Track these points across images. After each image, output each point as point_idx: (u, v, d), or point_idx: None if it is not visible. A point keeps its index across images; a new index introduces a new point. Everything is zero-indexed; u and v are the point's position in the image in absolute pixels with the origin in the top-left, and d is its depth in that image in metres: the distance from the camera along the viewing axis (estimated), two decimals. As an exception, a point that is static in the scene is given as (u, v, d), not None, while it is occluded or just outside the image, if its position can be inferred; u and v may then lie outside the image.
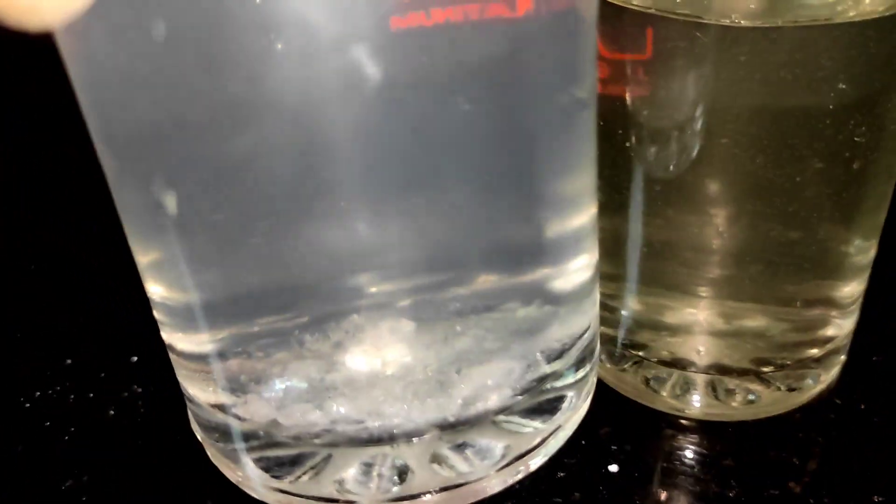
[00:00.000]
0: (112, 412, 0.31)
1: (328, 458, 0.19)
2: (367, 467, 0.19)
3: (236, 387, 0.19)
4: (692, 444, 0.28)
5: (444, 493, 0.19)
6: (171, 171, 0.16)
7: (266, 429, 0.19)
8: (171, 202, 0.16)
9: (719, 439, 0.28)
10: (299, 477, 0.19)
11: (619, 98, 0.24)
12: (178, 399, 0.31)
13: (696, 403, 0.28)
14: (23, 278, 0.41)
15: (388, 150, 0.16)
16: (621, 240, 0.27)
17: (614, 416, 0.29)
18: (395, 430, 0.18)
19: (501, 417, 0.19)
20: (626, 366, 0.29)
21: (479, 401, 0.18)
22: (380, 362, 0.18)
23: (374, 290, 0.17)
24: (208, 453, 0.21)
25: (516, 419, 0.20)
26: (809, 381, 0.28)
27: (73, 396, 0.32)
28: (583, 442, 0.28)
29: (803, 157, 0.22)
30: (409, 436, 0.18)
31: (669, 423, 0.28)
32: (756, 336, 0.27)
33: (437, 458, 0.19)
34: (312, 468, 0.19)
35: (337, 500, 0.19)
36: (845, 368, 0.30)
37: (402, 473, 0.19)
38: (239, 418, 0.19)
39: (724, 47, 0.21)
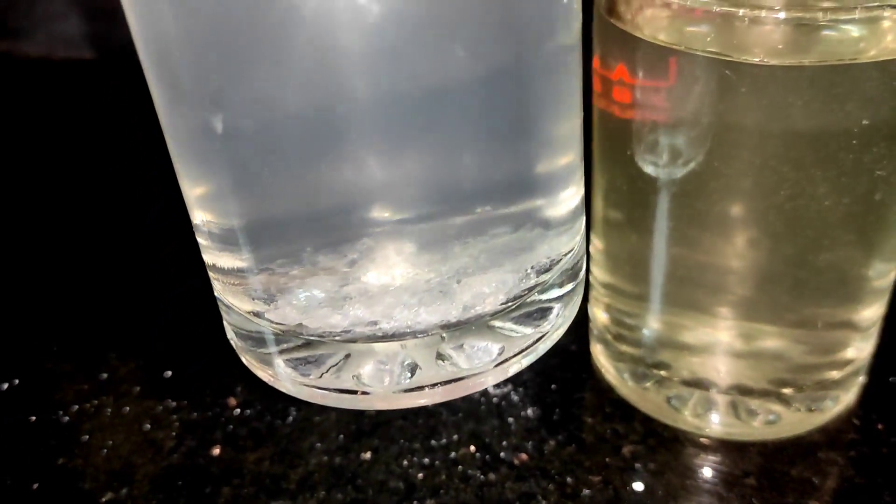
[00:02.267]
0: (148, 426, 0.32)
1: (347, 358, 0.22)
2: (381, 364, 0.21)
3: (267, 296, 0.21)
4: (715, 462, 0.28)
5: (448, 386, 0.22)
6: (217, 98, 0.19)
7: (295, 330, 0.21)
8: (218, 123, 0.19)
9: (741, 458, 0.28)
10: (323, 374, 0.22)
11: (643, 124, 0.25)
12: (210, 412, 0.32)
13: (718, 423, 0.29)
14: (59, 294, 0.42)
15: (392, 98, 0.18)
16: (644, 261, 0.28)
17: (638, 435, 0.30)
18: (405, 330, 0.21)
19: (496, 323, 0.22)
20: (648, 384, 0.30)
21: (477, 305, 0.21)
22: (389, 277, 0.20)
23: (382, 218, 0.20)
24: (244, 360, 0.24)
25: (509, 325, 0.22)
26: (829, 403, 0.29)
27: (109, 411, 0.33)
28: (607, 460, 0.29)
29: (825, 187, 0.23)
30: (417, 334, 0.21)
31: (692, 442, 0.29)
32: (776, 358, 0.27)
33: (441, 356, 0.21)
34: (334, 366, 0.22)
35: (356, 391, 0.22)
36: (864, 390, 0.30)
37: (412, 369, 0.21)
38: (271, 322, 0.22)
39: (750, 84, 0.21)
